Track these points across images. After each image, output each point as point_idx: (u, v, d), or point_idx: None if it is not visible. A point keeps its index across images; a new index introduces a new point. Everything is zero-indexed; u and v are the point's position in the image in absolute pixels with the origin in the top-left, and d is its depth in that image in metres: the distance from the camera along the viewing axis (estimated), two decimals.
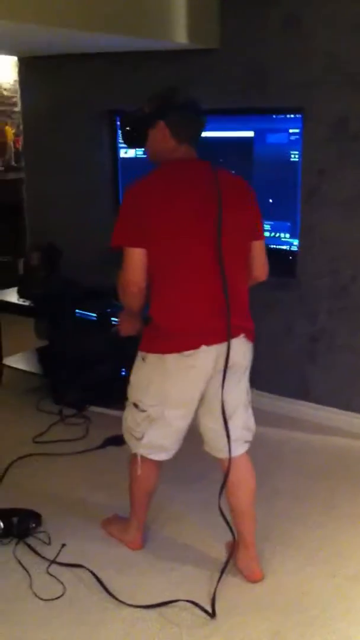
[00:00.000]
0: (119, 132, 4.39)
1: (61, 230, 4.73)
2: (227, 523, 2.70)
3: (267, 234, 3.98)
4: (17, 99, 5.50)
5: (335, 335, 3.88)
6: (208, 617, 2.53)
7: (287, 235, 3.98)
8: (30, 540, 2.94)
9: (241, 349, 2.56)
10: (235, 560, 2.75)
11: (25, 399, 4.36)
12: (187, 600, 2.58)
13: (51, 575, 2.75)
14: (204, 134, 2.63)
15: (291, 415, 4.07)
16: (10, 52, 4.82)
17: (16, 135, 6.54)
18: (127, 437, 2.74)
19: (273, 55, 3.72)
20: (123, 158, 4.49)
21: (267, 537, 2.94)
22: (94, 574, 2.73)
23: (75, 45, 3.85)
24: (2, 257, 5.99)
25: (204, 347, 2.47)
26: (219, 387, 2.54)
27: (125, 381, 2.72)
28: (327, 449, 3.76)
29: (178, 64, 3.96)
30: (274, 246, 4.00)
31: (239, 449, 2.67)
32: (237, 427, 2.63)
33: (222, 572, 2.69)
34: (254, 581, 2.71)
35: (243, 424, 2.67)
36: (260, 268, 2.67)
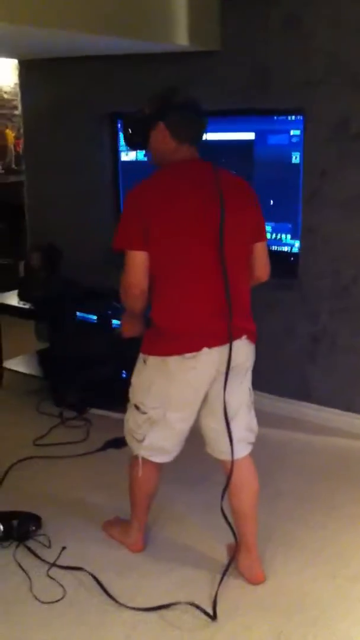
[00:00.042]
0: (120, 134, 4.42)
1: (62, 232, 4.73)
2: (230, 525, 2.69)
3: (268, 235, 3.95)
4: (18, 102, 5.49)
5: (336, 336, 3.87)
6: (209, 620, 2.51)
7: (288, 237, 3.98)
8: (31, 543, 2.93)
9: (243, 351, 2.56)
10: (237, 562, 2.73)
11: (26, 401, 4.35)
12: (188, 603, 2.57)
13: (51, 578, 2.74)
14: (206, 136, 2.62)
15: (292, 416, 4.06)
16: (10, 55, 4.82)
17: (17, 138, 6.55)
18: (128, 439, 2.73)
19: (274, 56, 3.72)
20: (124, 161, 4.49)
21: (268, 538, 2.93)
22: (94, 577, 2.72)
23: (76, 48, 3.85)
24: (3, 260, 6.00)
25: (205, 350, 2.47)
26: (222, 389, 2.53)
27: (125, 383, 2.72)
28: (329, 450, 3.74)
29: (179, 65, 3.95)
30: (275, 247, 4.00)
31: (242, 451, 2.66)
32: (239, 428, 2.62)
33: (223, 574, 2.68)
34: (256, 583, 2.70)
35: (246, 425, 2.66)
36: (262, 269, 2.67)
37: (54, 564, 2.80)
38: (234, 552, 2.75)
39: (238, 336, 2.51)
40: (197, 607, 2.55)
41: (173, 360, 2.49)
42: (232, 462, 2.61)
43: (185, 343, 2.47)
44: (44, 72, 4.65)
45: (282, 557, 2.86)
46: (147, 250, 2.42)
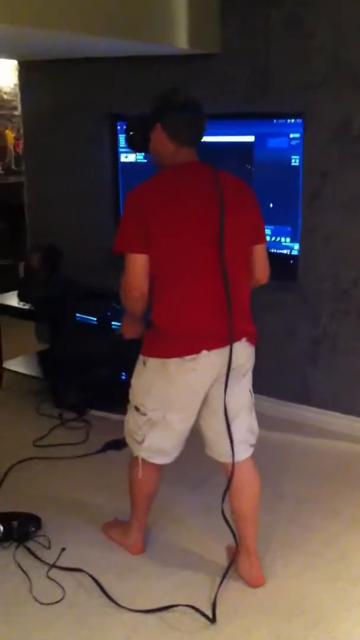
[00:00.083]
0: (119, 135, 4.43)
1: (62, 233, 4.73)
2: (230, 527, 2.69)
3: (267, 238, 3.97)
4: (17, 102, 5.49)
5: (337, 339, 3.87)
6: (209, 622, 2.51)
7: (288, 240, 3.98)
8: (30, 544, 2.93)
9: (243, 353, 2.56)
10: (237, 565, 2.73)
11: (26, 402, 4.35)
12: (187, 605, 2.57)
13: (51, 579, 2.74)
14: (206, 139, 2.62)
15: (293, 419, 4.06)
16: (10, 56, 4.82)
17: (16, 138, 6.55)
18: (128, 440, 2.73)
19: (274, 57, 3.72)
20: (124, 162, 4.49)
21: (268, 540, 2.93)
22: (93, 578, 2.72)
23: (76, 49, 3.84)
24: (3, 261, 6.00)
25: (204, 352, 2.47)
26: (222, 391, 2.53)
27: (125, 385, 2.72)
28: (329, 453, 3.74)
29: (179, 67, 3.95)
30: (275, 250, 4.00)
31: (243, 453, 2.66)
32: (241, 430, 2.62)
33: (223, 577, 2.68)
34: (256, 586, 2.70)
35: (247, 427, 2.66)
36: (261, 271, 2.67)
37: (53, 565, 2.80)
38: (234, 555, 2.75)
39: (238, 338, 2.51)
40: (197, 609, 2.55)
41: (173, 363, 2.49)
42: (233, 464, 2.61)
43: (185, 345, 2.47)
44: (44, 73, 4.65)
45: (282, 559, 2.86)
46: (147, 253, 2.42)
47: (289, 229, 3.96)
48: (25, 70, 4.82)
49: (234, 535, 2.71)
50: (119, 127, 4.45)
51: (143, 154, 4.28)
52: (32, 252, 4.60)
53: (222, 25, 3.81)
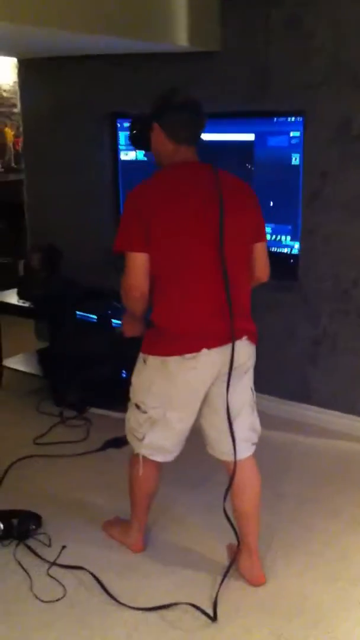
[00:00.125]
0: (119, 133, 4.43)
1: (61, 231, 4.73)
2: (232, 526, 2.69)
3: (268, 236, 3.96)
4: (17, 100, 5.49)
5: (337, 339, 3.88)
6: (210, 621, 2.51)
7: (288, 238, 3.98)
8: (31, 542, 2.93)
9: (244, 351, 2.56)
10: (238, 563, 2.74)
11: (26, 400, 4.34)
12: (189, 604, 2.57)
13: (51, 577, 2.74)
14: (206, 137, 2.62)
15: (294, 419, 4.06)
16: (9, 54, 4.82)
17: (16, 136, 6.54)
18: (129, 437, 2.73)
19: (274, 56, 3.71)
20: (123, 160, 4.49)
21: (270, 540, 2.93)
22: (94, 576, 2.72)
23: (76, 47, 3.84)
24: (3, 259, 5.99)
25: (204, 351, 2.47)
26: (223, 389, 2.54)
27: (125, 383, 2.72)
28: (330, 453, 3.74)
29: (179, 65, 3.95)
30: (275, 249, 3.99)
31: (245, 451, 2.66)
32: (243, 428, 2.63)
33: (224, 575, 2.68)
34: (257, 585, 2.70)
35: (249, 425, 2.67)
36: (262, 269, 2.67)
37: (54, 563, 2.80)
38: (235, 554, 2.75)
39: (238, 337, 2.51)
40: (198, 608, 2.55)
41: (173, 361, 2.49)
42: (235, 462, 2.61)
43: (185, 344, 2.47)
44: (44, 71, 4.64)
45: (284, 559, 2.86)
46: (147, 252, 2.42)
47: (289, 227, 3.96)
48: (25, 68, 4.82)
49: (236, 534, 2.71)
50: (118, 125, 4.45)
51: (143, 152, 4.29)
52: (32, 251, 4.59)
53: (222, 24, 3.80)
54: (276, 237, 4.00)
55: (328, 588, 2.70)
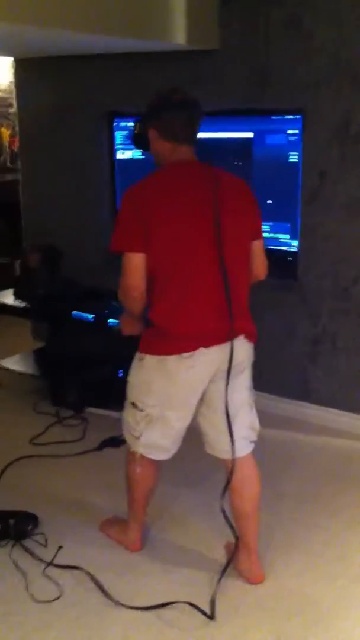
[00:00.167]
0: (117, 132, 4.42)
1: (58, 230, 4.72)
2: (230, 524, 2.67)
3: (266, 235, 3.95)
4: (13, 100, 5.47)
5: (337, 337, 3.86)
6: (208, 620, 2.49)
7: (287, 237, 3.96)
8: (27, 542, 2.90)
9: (242, 349, 2.55)
10: (236, 562, 2.72)
11: (23, 400, 4.32)
12: (187, 603, 2.55)
13: (48, 577, 2.71)
14: (204, 135, 2.60)
15: (294, 417, 4.04)
16: (6, 53, 4.80)
17: (12, 136, 6.52)
18: (126, 435, 2.72)
19: (274, 55, 3.71)
20: (119, 159, 4.47)
21: (269, 539, 2.91)
22: (91, 576, 2.70)
23: (72, 47, 3.83)
24: None
25: (201, 350, 2.46)
26: (221, 388, 2.53)
27: (123, 382, 2.71)
28: (330, 451, 3.73)
29: (178, 64, 3.94)
30: (274, 247, 3.98)
31: (244, 449, 2.65)
32: (241, 427, 2.61)
33: (221, 574, 2.66)
34: (256, 584, 2.68)
35: (248, 423, 2.65)
36: (259, 267, 2.67)
37: (50, 563, 2.78)
38: (233, 552, 2.73)
39: (236, 335, 2.51)
40: (195, 607, 2.53)
41: (170, 360, 2.48)
42: (234, 460, 2.59)
43: (182, 343, 2.47)
44: (40, 70, 4.63)
45: (283, 558, 2.84)
46: (145, 251, 2.42)
47: (288, 225, 3.95)
48: (21, 68, 4.81)
49: (234, 533, 2.69)
50: (115, 125, 4.43)
51: (140, 151, 4.28)
52: (30, 251, 4.58)
53: (221, 23, 3.79)
54: (275, 235, 3.99)
55: (328, 587, 2.68)
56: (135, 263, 2.43)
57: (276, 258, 3.86)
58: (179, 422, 2.60)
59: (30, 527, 2.95)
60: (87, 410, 4.14)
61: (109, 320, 4.06)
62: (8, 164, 6.51)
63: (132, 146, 4.30)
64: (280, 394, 4.09)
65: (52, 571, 2.75)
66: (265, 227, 3.92)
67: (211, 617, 2.50)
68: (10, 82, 6.08)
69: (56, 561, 2.79)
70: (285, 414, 4.04)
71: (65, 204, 4.76)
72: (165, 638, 2.43)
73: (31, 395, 4.35)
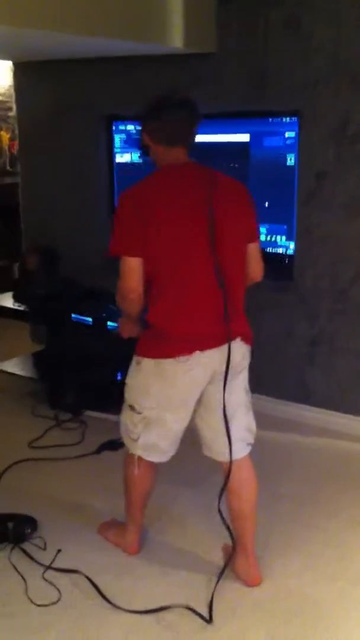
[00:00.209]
0: (115, 136, 4.42)
1: (57, 233, 4.72)
2: (227, 526, 2.67)
3: (263, 237, 3.97)
4: (12, 103, 5.48)
5: (334, 339, 3.86)
6: (206, 623, 2.48)
7: (284, 239, 3.96)
8: (26, 546, 2.90)
9: (239, 352, 2.55)
10: (234, 564, 2.71)
11: (21, 403, 4.32)
12: (183, 606, 2.54)
13: (47, 580, 2.71)
14: (202, 138, 2.60)
15: (292, 419, 4.04)
16: (5, 57, 4.80)
17: (11, 139, 6.52)
18: (124, 438, 2.72)
19: (272, 56, 3.71)
20: (119, 163, 4.47)
21: (268, 540, 2.91)
22: (89, 579, 2.69)
23: (72, 50, 3.83)
24: None
25: (197, 353, 2.47)
26: (218, 390, 2.53)
27: (121, 385, 2.71)
28: (328, 453, 3.73)
29: (176, 67, 3.94)
30: (270, 249, 3.98)
31: (241, 451, 2.64)
32: (238, 429, 2.61)
33: (219, 576, 2.66)
34: (253, 586, 2.68)
35: (245, 425, 2.66)
36: (256, 269, 2.67)
37: (49, 567, 2.77)
38: (231, 554, 2.73)
39: (232, 338, 2.51)
40: (193, 610, 2.53)
41: (167, 363, 2.48)
42: (231, 462, 2.59)
43: (179, 346, 2.47)
44: (39, 73, 4.64)
45: (282, 559, 2.83)
46: (144, 253, 2.42)
47: (285, 227, 3.95)
48: (21, 71, 4.81)
49: (231, 535, 2.69)
50: (114, 128, 4.44)
51: (138, 154, 4.30)
52: (29, 253, 4.58)
53: (219, 25, 3.79)
54: (271, 238, 3.99)
55: (328, 588, 2.68)
56: (132, 266, 2.43)
57: (273, 260, 3.88)
58: (176, 424, 2.60)
59: (28, 530, 2.95)
60: (85, 414, 4.14)
61: (107, 323, 4.06)
62: (7, 167, 6.51)
63: (130, 149, 4.36)
64: (278, 396, 4.09)
65: (51, 574, 2.74)
66: (262, 230, 3.94)
67: (209, 620, 2.49)
68: (10, 85, 6.09)
69: (55, 564, 2.79)
70: (283, 416, 4.04)
71: (64, 206, 4.76)
72: None
73: (29, 398, 4.34)
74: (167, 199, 2.46)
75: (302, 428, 3.97)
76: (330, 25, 3.52)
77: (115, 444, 3.53)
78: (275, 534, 2.98)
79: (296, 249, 3.90)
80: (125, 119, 4.34)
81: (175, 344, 2.47)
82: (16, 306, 4.38)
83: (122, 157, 4.45)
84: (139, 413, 2.60)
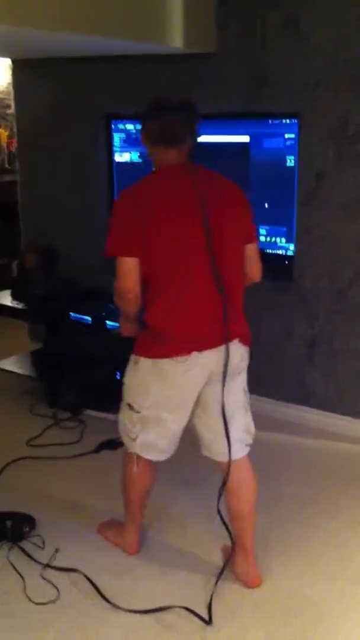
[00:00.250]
0: (114, 134, 4.42)
1: (55, 232, 4.71)
2: (226, 526, 2.67)
3: (262, 238, 3.97)
4: (11, 101, 5.47)
5: (334, 340, 3.86)
6: (205, 624, 2.48)
7: (283, 240, 3.96)
8: (24, 544, 2.90)
9: (237, 353, 2.55)
10: (233, 565, 2.71)
11: (19, 402, 4.32)
12: (182, 607, 2.54)
13: (45, 579, 2.71)
14: (201, 139, 2.59)
15: (291, 420, 4.04)
16: (4, 54, 4.79)
17: (10, 137, 6.51)
18: (123, 437, 2.72)
19: (272, 57, 3.70)
20: (118, 162, 4.47)
21: (267, 541, 2.91)
22: (88, 578, 2.69)
23: (71, 48, 3.82)
24: None
25: (195, 354, 2.47)
26: (216, 390, 2.53)
27: (120, 385, 2.71)
28: (328, 454, 3.73)
29: (175, 66, 3.94)
30: (270, 251, 3.98)
31: (239, 452, 2.64)
32: (237, 430, 2.61)
33: (218, 577, 2.66)
34: (252, 586, 2.67)
35: (243, 426, 2.65)
36: (254, 270, 2.68)
37: (47, 565, 2.77)
38: (230, 555, 2.73)
39: (230, 339, 2.51)
40: (191, 611, 2.53)
41: (165, 363, 2.49)
42: (230, 462, 2.59)
43: (177, 346, 2.47)
44: (38, 71, 4.63)
45: (282, 560, 2.83)
46: (142, 253, 2.42)
47: (284, 229, 3.95)
48: (20, 69, 4.80)
49: (230, 536, 2.69)
50: (113, 127, 4.43)
51: (137, 153, 4.30)
52: (27, 252, 4.57)
53: (218, 25, 3.79)
54: (271, 239, 3.99)
55: (328, 589, 2.68)
56: (129, 266, 2.43)
57: (273, 262, 3.88)
58: (175, 424, 2.60)
59: (27, 529, 2.95)
60: (84, 413, 4.13)
61: (106, 322, 4.06)
62: (6, 165, 6.50)
63: (130, 148, 4.35)
64: (278, 398, 4.09)
65: (50, 573, 2.74)
66: (261, 231, 3.94)
67: (208, 622, 2.49)
68: (9, 83, 6.09)
69: (53, 563, 2.79)
70: (283, 418, 4.04)
71: (63, 205, 4.75)
72: None
73: (28, 397, 4.34)
74: (166, 199, 2.46)
75: (301, 429, 3.97)
76: (330, 26, 3.52)
77: (114, 443, 3.53)
78: (275, 534, 2.99)
79: (296, 249, 3.90)
80: (125, 118, 4.33)
81: (173, 344, 2.47)
82: (14, 304, 4.37)
83: (121, 156, 4.45)
84: (137, 412, 2.60)
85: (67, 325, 4.23)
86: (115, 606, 2.56)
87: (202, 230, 2.43)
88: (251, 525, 2.69)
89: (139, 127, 2.63)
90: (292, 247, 3.93)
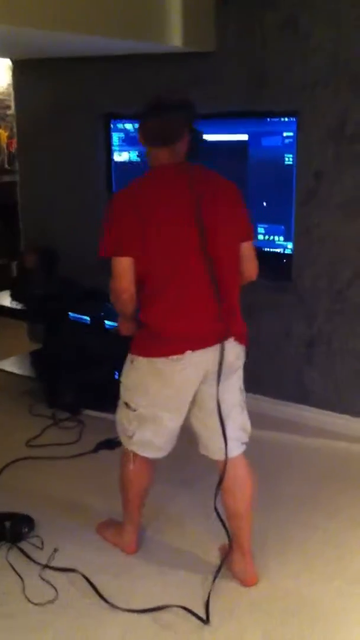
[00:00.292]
0: (114, 134, 4.42)
1: (55, 232, 4.71)
2: (223, 524, 2.67)
3: (260, 236, 3.97)
4: (11, 101, 5.47)
5: (332, 339, 3.86)
6: (203, 623, 2.49)
7: (281, 239, 3.96)
8: (23, 545, 2.90)
9: (232, 351, 2.55)
10: (230, 564, 2.72)
11: (19, 402, 4.32)
12: (180, 606, 2.54)
13: (44, 580, 2.71)
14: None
15: (291, 419, 4.04)
16: (4, 54, 4.79)
17: (9, 137, 6.52)
18: (121, 436, 2.73)
19: (271, 56, 3.71)
20: (117, 162, 4.47)
21: (265, 540, 2.91)
22: (87, 579, 2.69)
23: (71, 48, 3.82)
24: None
25: (188, 353, 2.47)
26: (212, 389, 2.54)
27: (118, 384, 2.71)
28: (326, 453, 3.73)
29: (175, 66, 3.94)
30: (268, 249, 3.98)
31: (235, 450, 2.64)
32: (233, 428, 2.61)
33: (215, 576, 2.66)
34: (249, 585, 2.68)
35: (239, 425, 2.65)
36: (250, 268, 2.67)
37: (46, 566, 2.77)
38: (227, 553, 2.73)
39: (226, 338, 2.51)
40: (189, 610, 2.53)
41: (160, 362, 2.49)
42: (226, 460, 2.59)
43: (172, 346, 2.47)
44: (38, 72, 4.63)
45: (280, 559, 2.83)
46: (138, 255, 2.42)
47: (282, 228, 3.95)
48: (19, 69, 4.80)
49: (228, 534, 2.69)
50: (112, 126, 4.43)
51: (136, 153, 4.29)
52: (27, 252, 4.57)
53: (218, 24, 3.79)
54: (269, 238, 3.99)
55: (325, 588, 2.68)
56: (124, 267, 2.44)
57: (271, 260, 3.88)
58: (171, 422, 2.61)
59: (26, 529, 2.95)
60: (83, 413, 4.14)
61: (105, 322, 4.06)
62: (6, 165, 6.51)
63: (129, 147, 4.35)
64: (277, 397, 4.09)
65: (48, 573, 2.74)
66: (259, 229, 3.94)
67: (205, 621, 2.49)
68: (9, 83, 6.09)
69: (52, 563, 2.79)
70: (282, 416, 4.04)
71: (62, 205, 4.75)
72: None
73: (27, 397, 4.34)
74: (165, 199, 2.46)
75: (300, 428, 3.97)
76: (330, 25, 3.52)
77: (113, 443, 3.54)
78: (273, 533, 2.99)
79: (295, 249, 3.90)
80: (123, 117, 4.33)
81: (169, 343, 2.47)
82: (14, 305, 4.37)
83: (120, 156, 4.45)
84: (134, 410, 2.61)
85: (66, 325, 4.24)
86: (113, 606, 2.56)
87: (197, 230, 2.43)
88: (248, 524, 2.69)
89: (137, 126, 2.61)
90: (290, 245, 3.93)
